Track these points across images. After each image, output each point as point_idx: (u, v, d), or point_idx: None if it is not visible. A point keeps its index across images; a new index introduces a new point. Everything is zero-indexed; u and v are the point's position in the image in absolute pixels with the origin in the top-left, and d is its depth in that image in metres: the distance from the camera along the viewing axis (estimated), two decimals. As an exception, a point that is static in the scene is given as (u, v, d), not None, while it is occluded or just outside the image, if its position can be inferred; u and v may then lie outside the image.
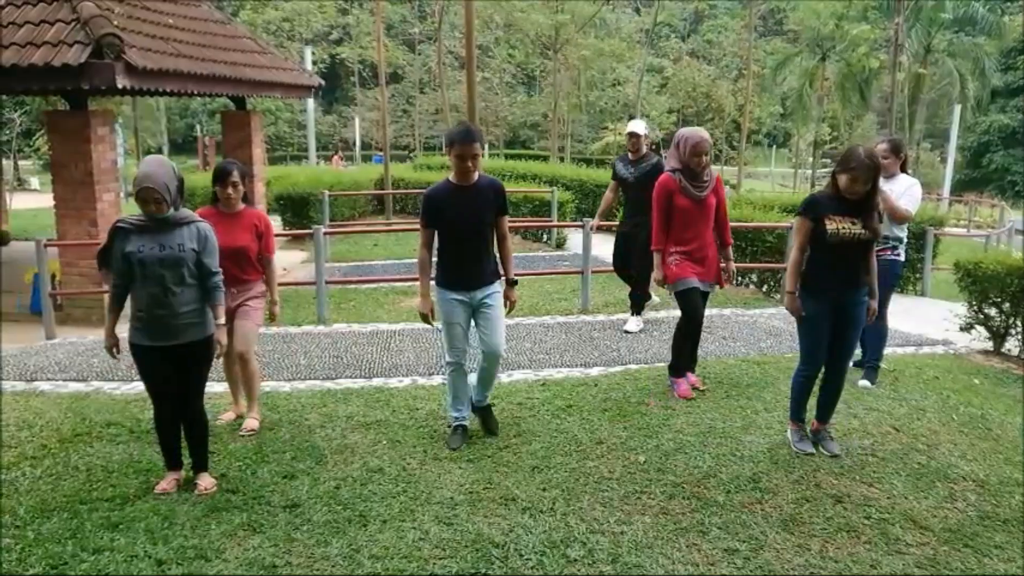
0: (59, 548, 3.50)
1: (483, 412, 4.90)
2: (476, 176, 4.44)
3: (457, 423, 4.74)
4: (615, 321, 7.81)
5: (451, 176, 4.49)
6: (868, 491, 4.12)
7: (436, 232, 4.54)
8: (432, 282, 4.65)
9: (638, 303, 7.59)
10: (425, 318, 4.60)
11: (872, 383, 5.77)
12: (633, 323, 7.54)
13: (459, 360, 4.62)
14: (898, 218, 5.65)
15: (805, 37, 33.38)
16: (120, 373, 6.33)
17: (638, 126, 7.23)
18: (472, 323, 4.63)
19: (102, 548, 3.50)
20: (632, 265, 7.37)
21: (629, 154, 7.34)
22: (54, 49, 7.34)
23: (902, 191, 5.66)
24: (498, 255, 4.68)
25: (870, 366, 5.89)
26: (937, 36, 29.48)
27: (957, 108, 29.25)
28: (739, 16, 42.70)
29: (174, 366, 3.96)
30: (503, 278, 4.69)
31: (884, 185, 5.65)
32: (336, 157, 35.98)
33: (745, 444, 4.67)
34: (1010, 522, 3.84)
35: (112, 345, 4.04)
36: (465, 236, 4.48)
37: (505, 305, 4.69)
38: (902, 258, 5.87)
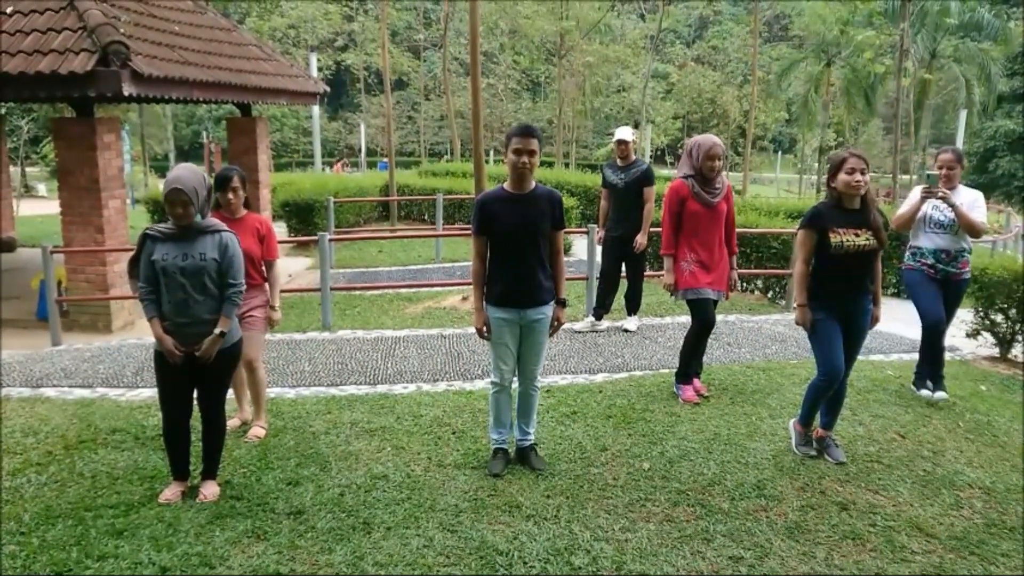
0: (64, 555, 3.52)
1: (526, 453, 4.50)
2: (532, 184, 4.19)
3: (497, 446, 4.48)
4: (620, 327, 7.81)
5: (505, 184, 4.22)
6: (873, 498, 4.11)
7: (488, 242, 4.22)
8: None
9: (634, 302, 7.78)
10: (480, 333, 4.27)
11: (945, 392, 5.71)
12: (632, 322, 7.79)
13: (504, 381, 4.34)
14: (977, 232, 5.51)
15: (810, 43, 33.33)
16: (125, 379, 6.35)
17: (626, 133, 7.38)
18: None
19: (107, 555, 3.51)
20: (627, 268, 7.65)
21: (618, 160, 7.46)
22: (61, 57, 7.38)
23: (971, 203, 5.52)
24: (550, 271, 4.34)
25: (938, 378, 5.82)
26: (943, 41, 29.39)
27: (963, 113, 29.14)
28: (744, 22, 42.67)
29: (194, 373, 4.00)
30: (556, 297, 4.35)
31: (955, 199, 5.54)
32: (338, 164, 36.03)
33: (750, 451, 4.66)
34: (1016, 529, 3.83)
35: (171, 347, 3.89)
36: (518, 249, 4.15)
37: (551, 325, 4.36)
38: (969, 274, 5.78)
